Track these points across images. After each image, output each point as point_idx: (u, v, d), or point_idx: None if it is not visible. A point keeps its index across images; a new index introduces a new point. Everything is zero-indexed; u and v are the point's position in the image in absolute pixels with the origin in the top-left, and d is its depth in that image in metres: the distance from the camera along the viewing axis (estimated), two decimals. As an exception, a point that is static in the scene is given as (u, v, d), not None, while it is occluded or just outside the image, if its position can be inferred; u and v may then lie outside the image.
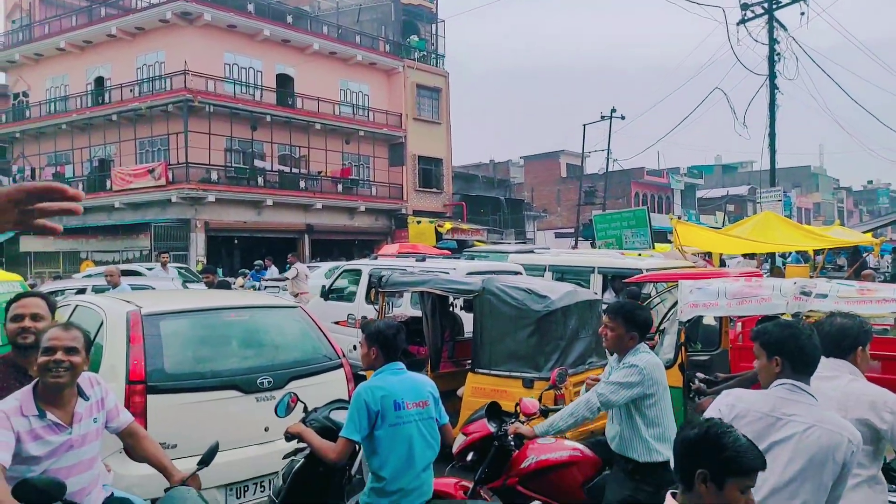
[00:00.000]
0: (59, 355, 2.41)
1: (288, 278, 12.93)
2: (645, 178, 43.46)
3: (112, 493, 2.61)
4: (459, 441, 3.49)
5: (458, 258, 12.96)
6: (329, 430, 3.19)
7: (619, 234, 13.57)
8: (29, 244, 23.40)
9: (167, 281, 10.18)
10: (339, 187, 26.94)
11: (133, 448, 2.77)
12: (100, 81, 25.76)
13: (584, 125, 30.87)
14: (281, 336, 4.63)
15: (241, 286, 14.10)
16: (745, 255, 15.22)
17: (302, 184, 25.52)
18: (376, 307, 7.15)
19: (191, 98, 22.12)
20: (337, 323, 8.99)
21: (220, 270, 20.35)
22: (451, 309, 7.04)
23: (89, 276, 12.02)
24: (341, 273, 9.88)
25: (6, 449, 2.20)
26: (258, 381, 4.01)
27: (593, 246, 22.94)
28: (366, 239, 28.18)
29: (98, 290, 7.54)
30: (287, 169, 25.51)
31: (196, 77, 22.61)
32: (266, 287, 13.75)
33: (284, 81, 26.09)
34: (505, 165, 47.80)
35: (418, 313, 7.40)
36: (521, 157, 49.75)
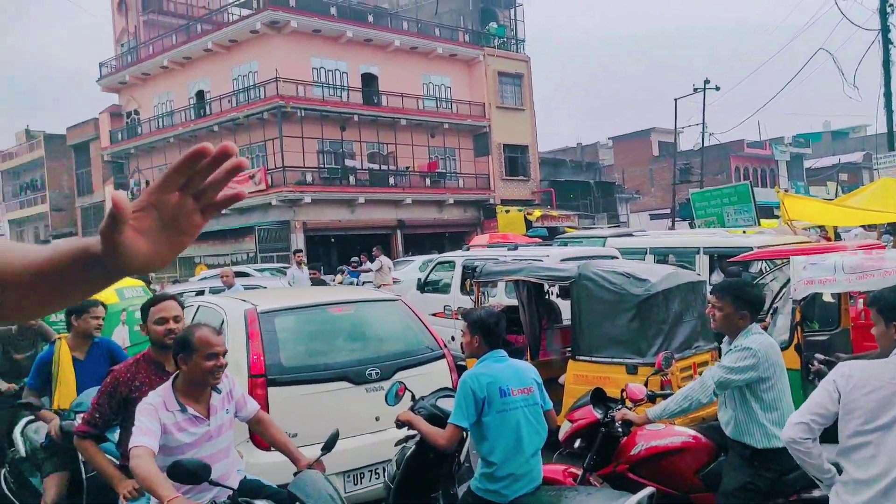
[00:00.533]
0: (222, 360, 2.63)
1: (372, 270, 13.32)
2: (745, 151, 41.09)
3: (245, 477, 2.82)
4: (565, 428, 3.49)
5: (551, 245, 12.83)
6: (437, 418, 3.28)
7: (721, 212, 12.92)
8: (148, 251, 25.33)
9: (304, 279, 11.04)
10: (427, 181, 27.31)
11: (262, 435, 2.97)
12: (200, 95, 27.42)
13: (676, 100, 29.60)
14: (385, 328, 4.80)
15: (341, 282, 14.63)
16: (864, 227, 14.07)
17: (391, 180, 26.09)
18: (472, 297, 7.22)
19: (283, 104, 23.12)
20: (434, 314, 9.16)
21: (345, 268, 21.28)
22: (546, 296, 7.00)
23: (204, 278, 12.89)
24: (435, 265, 10.05)
25: (154, 436, 2.44)
26: (367, 373, 4.17)
27: (692, 226, 21.97)
28: (456, 231, 28.42)
29: (214, 292, 8.08)
30: (376, 166, 26.16)
31: (286, 83, 23.59)
32: (364, 282, 14.21)
33: (369, 80, 26.71)
34: (593, 148, 46.67)
35: (514, 302, 7.41)
36: (609, 139, 48.39)
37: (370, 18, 27.43)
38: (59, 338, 4.08)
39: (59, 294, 0.80)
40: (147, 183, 29.31)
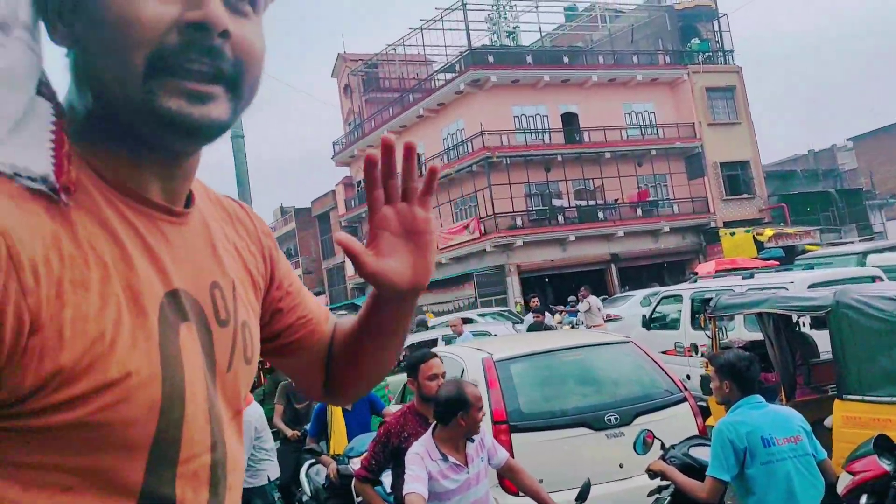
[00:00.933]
0: (483, 412, 2.86)
1: (580, 311, 12.99)
2: None
3: None
4: (845, 481, 3.10)
5: (790, 268, 11.52)
6: (690, 468, 3.14)
7: None
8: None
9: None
10: (639, 211, 26.39)
11: (514, 482, 3.10)
12: (417, 158, 29.90)
13: (934, 83, 25.07)
14: (618, 372, 4.70)
15: (559, 323, 14.63)
16: None
17: (600, 214, 25.70)
18: (707, 333, 6.78)
19: (489, 155, 24.25)
20: (664, 352, 8.73)
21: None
22: (797, 328, 6.30)
23: (432, 327, 13.79)
24: (661, 300, 9.62)
25: (424, 483, 2.69)
26: (605, 418, 4.09)
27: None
28: (675, 260, 26.89)
29: (447, 340, 8.63)
30: (584, 203, 26.01)
31: (491, 135, 24.75)
32: (582, 322, 14.04)
33: (569, 119, 26.89)
34: (828, 153, 41.32)
35: (756, 336, 6.77)
36: (847, 140, 42.43)
37: (565, 59, 27.79)
38: None
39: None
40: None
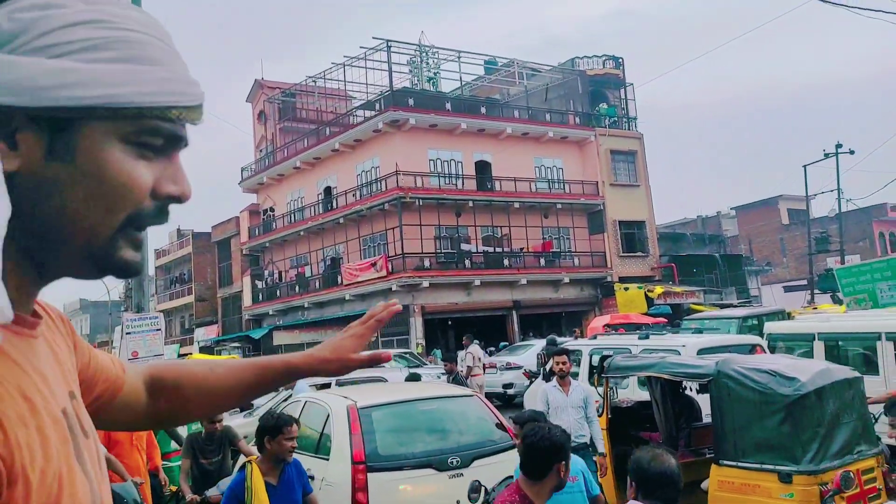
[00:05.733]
0: None
1: (460, 360, 13.12)
2: (890, 216, 37.69)
3: None
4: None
5: (677, 330, 12.27)
6: None
7: (872, 288, 11.81)
8: (280, 338, 26.96)
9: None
10: (542, 261, 27.32)
11: None
12: (328, 191, 29.60)
13: (805, 167, 28.00)
14: (463, 421, 5.36)
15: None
16: None
17: (506, 262, 26.38)
18: (599, 391, 7.05)
19: (403, 195, 24.40)
20: (560, 406, 8.96)
21: (438, 352, 21.46)
22: (683, 390, 6.69)
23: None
24: (559, 354, 9.91)
25: None
26: (448, 461, 4.64)
27: (834, 299, 20.18)
28: (573, 310, 27.94)
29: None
30: (491, 249, 26.62)
31: (405, 176, 24.96)
32: (461, 371, 14.11)
33: (483, 167, 27.66)
34: (715, 220, 44.79)
35: (646, 396, 7.12)
36: (731, 209, 46.31)
37: (483, 110, 28.73)
38: (250, 461, 3.72)
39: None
40: (280, 273, 31.53)
